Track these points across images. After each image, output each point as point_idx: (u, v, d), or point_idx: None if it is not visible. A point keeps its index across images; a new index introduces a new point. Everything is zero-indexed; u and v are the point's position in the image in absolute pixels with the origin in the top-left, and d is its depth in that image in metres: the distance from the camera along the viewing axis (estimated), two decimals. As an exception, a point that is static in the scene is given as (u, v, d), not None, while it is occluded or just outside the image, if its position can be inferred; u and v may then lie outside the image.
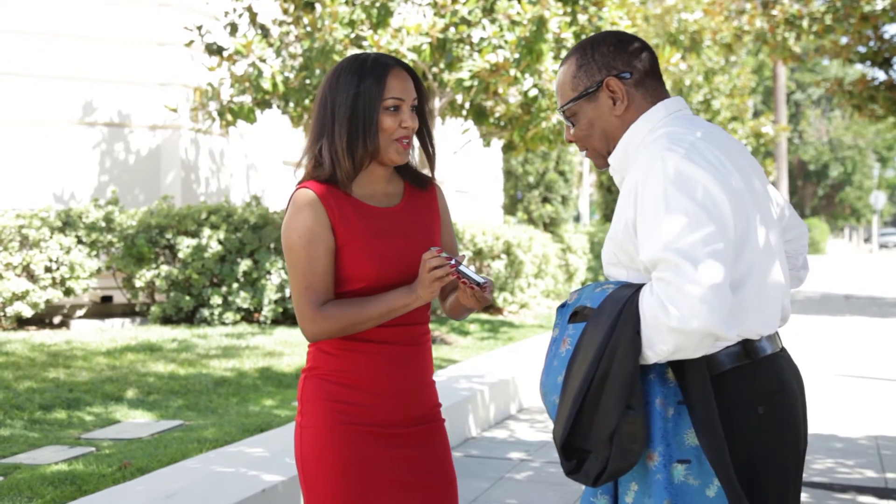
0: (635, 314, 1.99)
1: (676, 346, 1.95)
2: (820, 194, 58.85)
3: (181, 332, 9.34)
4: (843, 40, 16.52)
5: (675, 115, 2.20)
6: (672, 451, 2.03)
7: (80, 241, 10.17)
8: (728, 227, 2.01)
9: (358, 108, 2.37)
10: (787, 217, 2.39)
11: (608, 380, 1.99)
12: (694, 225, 1.96)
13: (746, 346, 2.10)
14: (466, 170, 17.89)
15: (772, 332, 2.15)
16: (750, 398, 2.09)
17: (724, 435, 2.03)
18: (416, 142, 2.56)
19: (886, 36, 16.26)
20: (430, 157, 2.55)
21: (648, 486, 2.03)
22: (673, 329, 1.93)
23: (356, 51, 8.59)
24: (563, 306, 2.19)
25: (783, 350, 2.21)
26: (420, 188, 2.54)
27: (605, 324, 2.02)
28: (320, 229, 2.36)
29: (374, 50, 8.37)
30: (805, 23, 16.09)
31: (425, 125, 2.52)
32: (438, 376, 6.88)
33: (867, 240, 70.06)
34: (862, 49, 16.43)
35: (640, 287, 2.04)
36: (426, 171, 2.60)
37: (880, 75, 17.03)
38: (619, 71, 2.20)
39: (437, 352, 9.01)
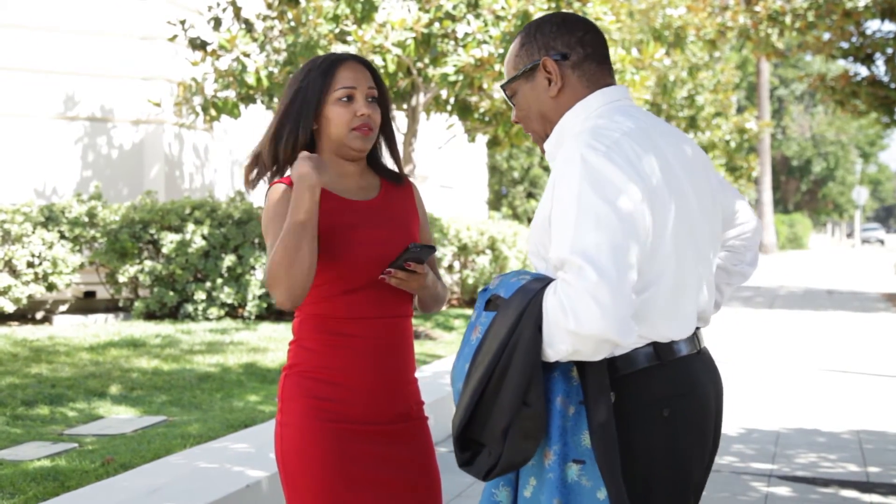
0: (539, 311, 1.95)
1: (574, 349, 1.91)
2: (803, 189, 59.08)
3: (165, 328, 9.31)
4: (826, 36, 16.60)
5: (612, 105, 2.14)
6: (568, 449, 1.98)
7: (62, 237, 10.12)
8: (640, 230, 1.96)
9: (295, 102, 2.40)
10: (736, 211, 2.34)
11: (507, 374, 1.95)
12: (604, 228, 1.91)
13: (657, 348, 2.05)
14: (451, 165, 17.88)
15: (684, 336, 2.10)
16: (656, 400, 2.04)
17: (619, 438, 1.98)
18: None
19: (868, 32, 16.35)
20: (393, 152, 2.55)
21: (542, 483, 2.00)
22: (570, 332, 1.89)
23: (341, 45, 8.57)
24: (484, 290, 2.15)
25: (701, 351, 2.16)
26: (397, 183, 2.54)
27: (510, 316, 1.98)
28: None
29: (359, 44, 8.34)
30: (788, 19, 16.16)
31: (386, 121, 2.50)
32: (423, 372, 6.88)
33: (850, 235, 70.44)
34: (844, 45, 16.52)
35: (549, 282, 2.00)
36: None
37: (862, 71, 17.12)
38: (557, 52, 2.16)
39: (422, 347, 9.00)
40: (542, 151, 2.26)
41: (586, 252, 1.89)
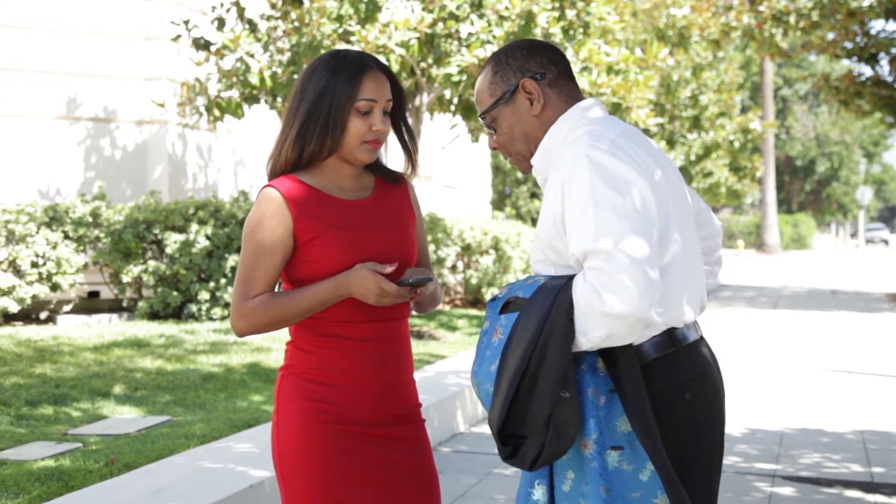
0: (568, 302, 2.04)
1: (609, 332, 2.00)
2: (807, 189, 59.01)
3: (168, 328, 9.32)
4: (830, 36, 16.59)
5: (592, 114, 2.26)
6: (605, 438, 2.08)
7: (66, 237, 10.13)
8: (653, 218, 2.08)
9: (323, 102, 2.36)
10: (702, 212, 2.45)
11: (543, 367, 2.04)
12: (622, 216, 2.02)
13: (671, 335, 2.17)
14: (454, 165, 17.87)
15: (693, 319, 2.22)
16: (677, 384, 2.15)
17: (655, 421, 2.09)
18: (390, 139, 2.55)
19: (872, 32, 16.33)
20: (410, 157, 2.54)
21: (585, 473, 2.08)
22: (606, 314, 1.98)
23: (344, 46, 8.57)
24: (493, 300, 2.24)
25: (703, 337, 2.28)
26: (392, 182, 2.53)
27: (538, 312, 2.06)
28: (274, 226, 2.35)
29: (362, 44, 8.34)
30: (792, 19, 16.15)
31: (406, 125, 2.51)
32: (426, 372, 6.87)
33: (853, 235, 70.34)
34: (848, 45, 16.50)
35: (571, 277, 2.09)
36: (406, 170, 2.58)
37: (866, 71, 17.13)
38: (533, 72, 2.27)
39: (426, 347, 9.01)
40: (524, 171, 2.37)
41: (611, 238, 1.99)
